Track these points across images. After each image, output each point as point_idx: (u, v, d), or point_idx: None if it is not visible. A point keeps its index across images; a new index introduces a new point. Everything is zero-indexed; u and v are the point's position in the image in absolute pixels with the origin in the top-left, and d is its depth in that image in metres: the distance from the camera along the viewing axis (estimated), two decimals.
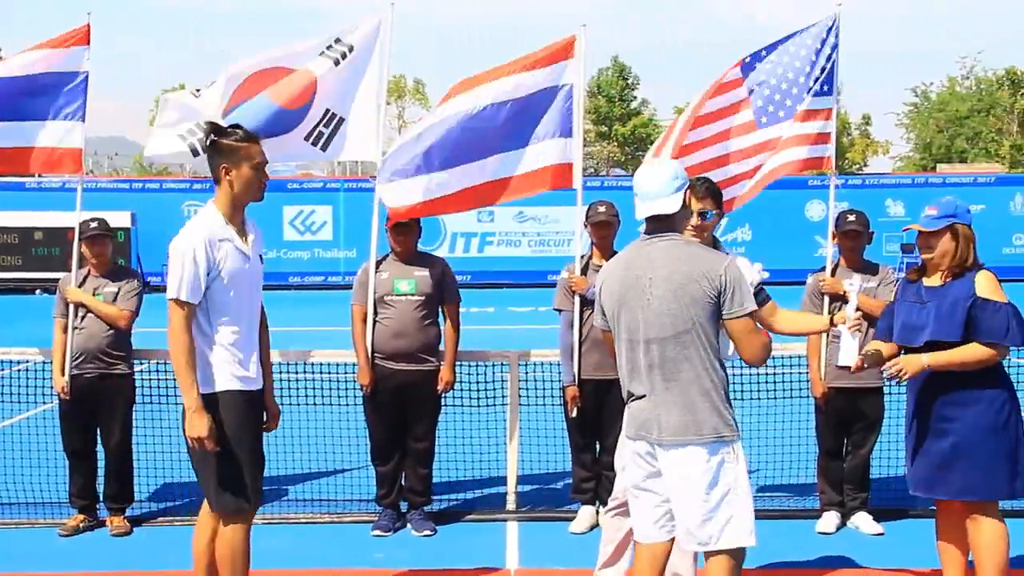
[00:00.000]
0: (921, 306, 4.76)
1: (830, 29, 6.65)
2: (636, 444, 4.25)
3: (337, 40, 6.63)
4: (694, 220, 4.75)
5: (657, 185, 4.19)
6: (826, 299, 6.35)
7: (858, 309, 4.79)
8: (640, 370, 4.15)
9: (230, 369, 4.55)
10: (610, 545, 5.11)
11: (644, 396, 4.16)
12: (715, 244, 4.91)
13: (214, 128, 4.64)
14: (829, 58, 6.63)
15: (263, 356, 4.77)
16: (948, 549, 4.92)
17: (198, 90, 6.64)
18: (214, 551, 4.70)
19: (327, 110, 6.63)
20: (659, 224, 4.20)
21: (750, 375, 7.43)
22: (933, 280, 4.81)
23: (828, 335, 6.33)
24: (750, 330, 4.09)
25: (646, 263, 4.15)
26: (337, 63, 6.60)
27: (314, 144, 6.65)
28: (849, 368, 4.89)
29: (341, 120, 6.65)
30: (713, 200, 4.91)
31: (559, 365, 6.55)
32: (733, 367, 4.57)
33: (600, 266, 6.39)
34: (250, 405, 4.62)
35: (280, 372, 8.13)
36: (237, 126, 4.70)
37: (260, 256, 4.73)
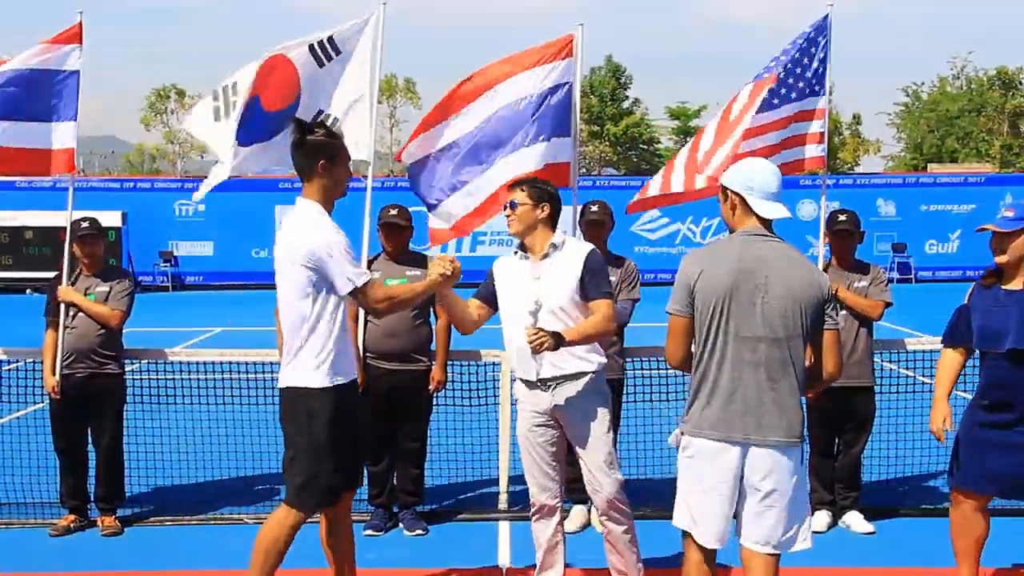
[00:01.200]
0: (1001, 309, 4.71)
1: (821, 29, 6.67)
2: (714, 444, 4.09)
3: (329, 39, 6.61)
4: (506, 210, 5.04)
5: (780, 187, 4.24)
6: None
7: None
8: (739, 365, 4.04)
9: (331, 365, 4.58)
10: (540, 550, 5.21)
11: (735, 391, 4.04)
12: (555, 235, 5.06)
13: (301, 125, 4.65)
14: (822, 58, 6.65)
15: None
16: (973, 543, 4.95)
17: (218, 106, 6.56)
18: (327, 538, 4.83)
19: (320, 110, 6.61)
20: (766, 224, 4.22)
21: None
22: (1014, 284, 4.77)
23: None
24: (836, 342, 4.20)
25: (759, 260, 4.10)
26: (322, 64, 6.57)
27: None
28: None
29: (335, 120, 6.63)
30: (527, 190, 5.03)
31: None
32: None
33: None
34: (347, 399, 4.65)
35: (272, 372, 8.14)
36: (320, 124, 4.73)
37: None
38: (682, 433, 4.22)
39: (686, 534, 4.25)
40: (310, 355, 4.58)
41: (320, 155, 4.60)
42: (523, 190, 5.05)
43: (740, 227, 4.19)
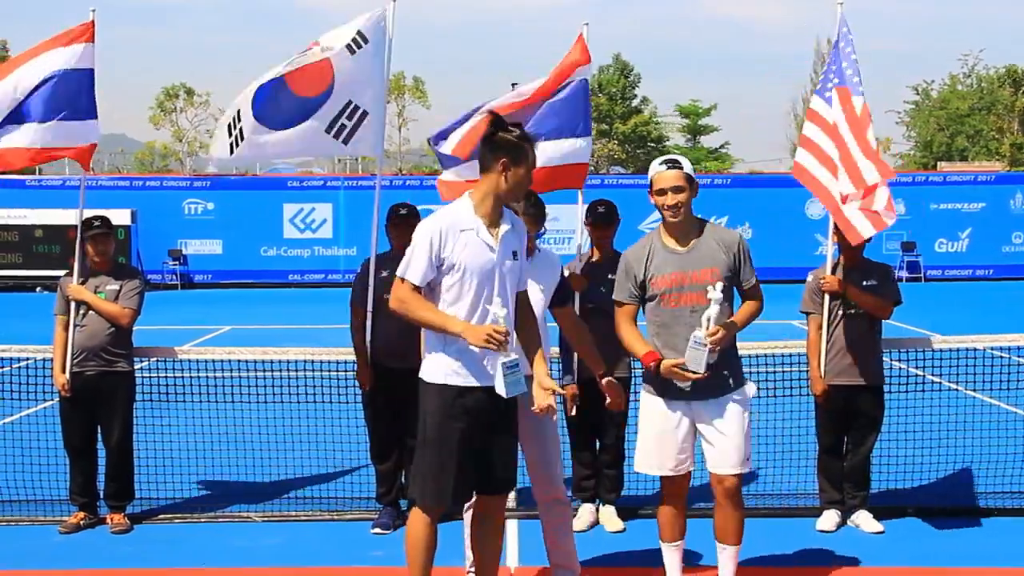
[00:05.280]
0: None
1: (839, 29, 6.66)
2: None
3: (359, 32, 6.62)
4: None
5: None
6: (826, 297, 6.34)
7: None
8: None
9: (449, 363, 4.54)
10: (473, 552, 5.17)
11: None
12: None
13: (495, 120, 4.59)
14: (834, 57, 6.63)
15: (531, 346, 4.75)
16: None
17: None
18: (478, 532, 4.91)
19: (350, 102, 6.57)
20: None
21: (751, 373, 7.42)
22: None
23: (825, 335, 6.33)
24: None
25: None
26: (352, 51, 6.55)
27: (336, 137, 6.59)
28: (699, 375, 4.82)
29: (365, 113, 6.61)
30: (543, 222, 5.29)
31: (558, 364, 6.55)
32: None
33: (599, 264, 6.40)
34: (465, 402, 4.54)
35: (280, 370, 8.17)
36: (517, 124, 4.65)
37: (515, 252, 4.63)
38: None
39: None
40: (429, 348, 4.62)
41: (501, 153, 4.52)
42: (542, 222, 5.21)
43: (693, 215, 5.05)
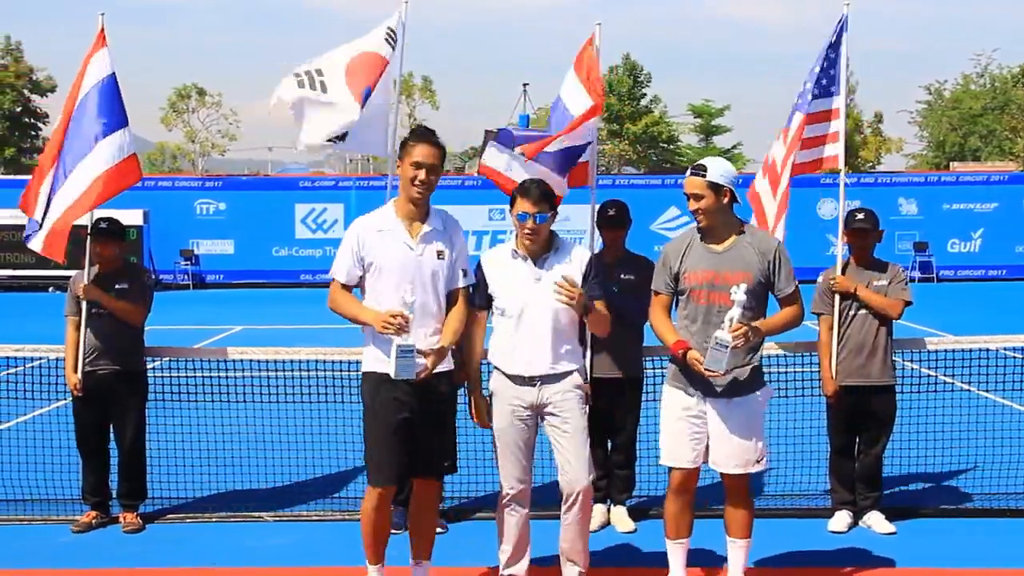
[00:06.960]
0: None
1: (840, 30, 6.65)
2: None
3: (390, 29, 6.64)
4: (529, 223, 5.04)
5: None
6: (837, 297, 6.33)
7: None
8: None
9: (374, 352, 4.95)
10: (508, 542, 5.30)
11: None
12: (553, 237, 5.21)
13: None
14: (832, 58, 6.63)
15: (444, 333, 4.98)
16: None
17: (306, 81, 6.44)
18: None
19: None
20: None
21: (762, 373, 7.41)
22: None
23: (836, 335, 6.31)
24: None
25: None
26: (392, 48, 6.57)
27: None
28: (717, 373, 4.88)
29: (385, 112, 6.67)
30: (548, 203, 5.10)
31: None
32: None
33: (611, 265, 6.39)
34: (389, 388, 4.88)
35: (292, 370, 8.18)
36: (420, 125, 5.07)
37: (439, 252, 4.96)
38: None
39: None
40: (365, 341, 5.02)
41: (398, 155, 5.04)
42: (546, 202, 5.07)
43: (731, 217, 5.02)
